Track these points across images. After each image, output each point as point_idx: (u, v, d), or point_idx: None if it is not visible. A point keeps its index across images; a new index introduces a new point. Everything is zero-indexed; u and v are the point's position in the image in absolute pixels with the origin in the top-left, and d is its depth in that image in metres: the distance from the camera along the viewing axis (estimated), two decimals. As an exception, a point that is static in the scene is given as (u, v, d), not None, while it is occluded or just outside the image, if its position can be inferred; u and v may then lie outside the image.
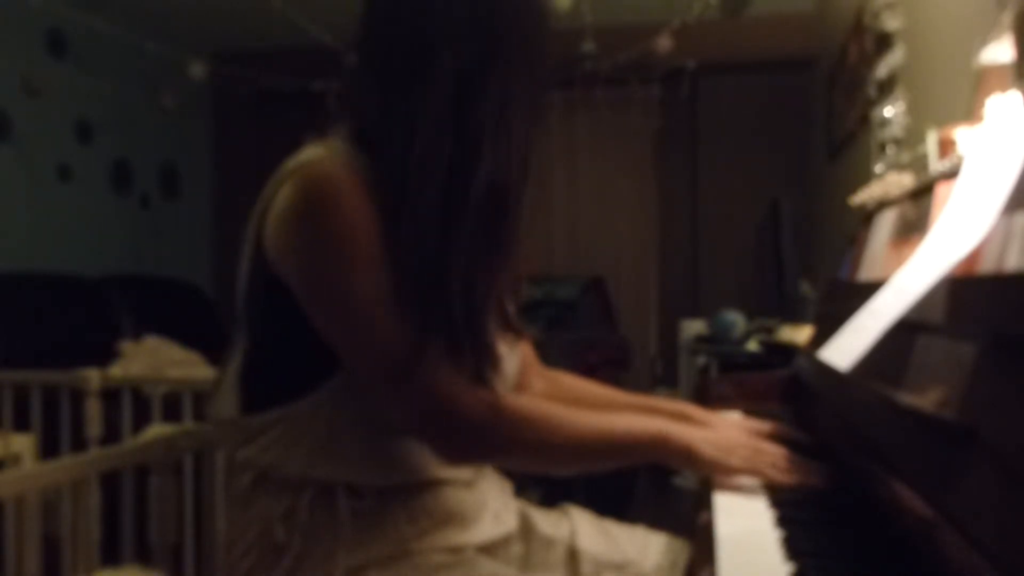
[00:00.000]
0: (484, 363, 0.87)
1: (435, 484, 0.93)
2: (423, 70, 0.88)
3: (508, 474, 1.09)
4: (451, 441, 0.86)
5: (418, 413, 0.85)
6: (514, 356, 1.04)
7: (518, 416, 0.88)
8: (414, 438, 0.90)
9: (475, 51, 0.88)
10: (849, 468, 0.87)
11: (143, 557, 1.83)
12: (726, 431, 1.00)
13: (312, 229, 0.84)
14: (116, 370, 2.64)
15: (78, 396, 2.26)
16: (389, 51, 0.91)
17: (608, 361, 3.59)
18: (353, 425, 0.89)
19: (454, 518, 0.94)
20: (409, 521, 0.90)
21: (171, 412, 2.26)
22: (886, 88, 2.23)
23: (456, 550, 0.92)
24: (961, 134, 1.24)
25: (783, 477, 0.90)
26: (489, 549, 0.97)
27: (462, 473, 0.96)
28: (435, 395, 0.83)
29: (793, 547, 0.71)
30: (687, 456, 0.92)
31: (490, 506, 1.00)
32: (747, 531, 0.77)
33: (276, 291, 0.87)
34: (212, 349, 3.22)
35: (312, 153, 0.89)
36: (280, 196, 0.87)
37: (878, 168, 2.10)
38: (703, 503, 0.89)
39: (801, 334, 2.02)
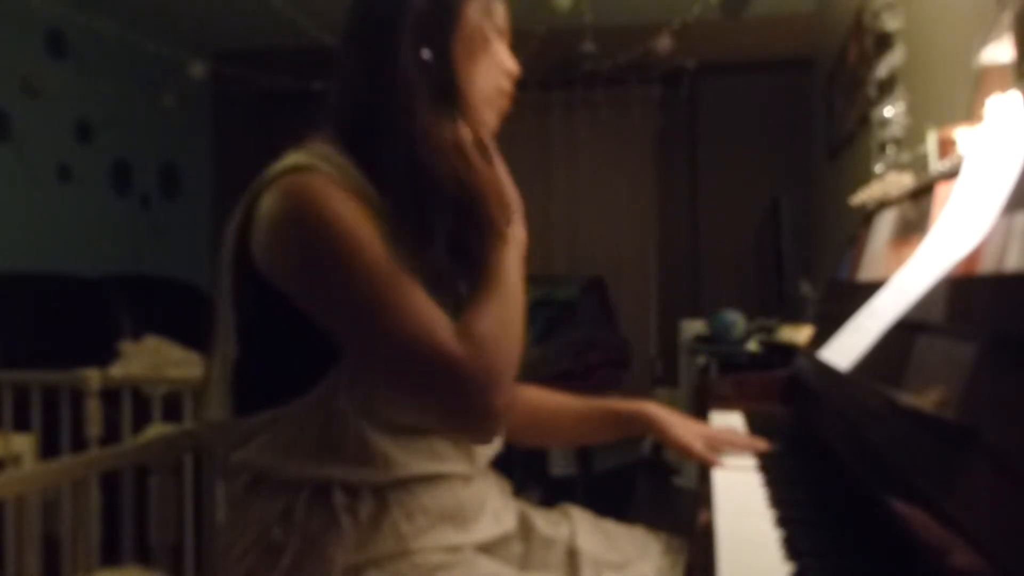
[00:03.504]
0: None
1: (432, 480, 0.93)
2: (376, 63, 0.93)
3: (508, 474, 1.10)
4: (479, 420, 0.86)
5: (444, 401, 0.85)
6: None
7: (483, 347, 0.84)
8: (444, 423, 0.90)
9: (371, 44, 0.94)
10: (849, 468, 0.87)
11: (143, 557, 1.83)
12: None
13: (302, 236, 0.84)
14: (116, 370, 2.64)
15: (78, 396, 2.26)
16: (349, 51, 0.95)
17: (608, 361, 3.59)
18: (347, 424, 0.88)
19: (452, 516, 0.94)
20: (406, 519, 0.90)
21: (171, 412, 2.26)
22: (886, 88, 2.23)
23: (454, 549, 0.92)
24: (961, 134, 1.24)
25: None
26: (488, 548, 0.97)
27: (459, 468, 0.96)
28: (451, 379, 0.82)
29: (793, 547, 0.71)
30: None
31: (489, 505, 1.00)
32: (747, 531, 0.77)
33: (267, 297, 0.87)
34: (212, 349, 3.21)
35: (293, 159, 0.89)
36: (264, 203, 0.87)
37: (878, 168, 2.10)
38: (703, 503, 0.89)
39: (801, 334, 2.02)
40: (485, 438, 0.91)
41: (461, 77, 0.95)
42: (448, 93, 0.93)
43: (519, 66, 1.03)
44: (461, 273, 0.94)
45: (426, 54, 0.92)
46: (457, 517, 0.94)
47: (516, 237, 0.94)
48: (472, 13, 0.96)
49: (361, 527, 0.88)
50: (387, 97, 0.91)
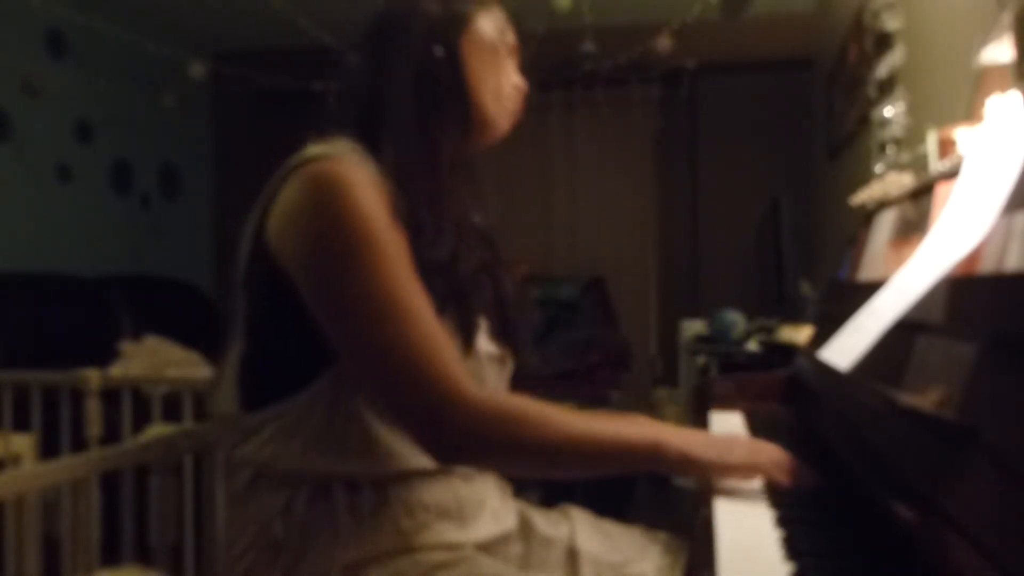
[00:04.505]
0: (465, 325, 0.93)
1: (432, 476, 0.93)
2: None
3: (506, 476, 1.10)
4: (442, 445, 0.84)
5: (414, 415, 0.84)
6: (503, 374, 1.05)
7: (511, 418, 0.85)
8: (407, 436, 0.89)
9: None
10: (849, 468, 0.87)
11: (143, 557, 1.83)
12: (720, 434, 0.98)
13: (319, 226, 0.85)
14: (116, 370, 2.64)
15: (78, 396, 2.26)
16: (364, 52, 1.00)
17: (608, 361, 3.59)
18: (348, 416, 0.89)
19: (452, 512, 0.94)
20: (406, 515, 0.90)
21: (171, 412, 2.26)
22: (886, 88, 2.23)
23: (455, 547, 0.92)
24: (961, 134, 1.24)
25: (784, 475, 0.88)
26: (488, 548, 0.97)
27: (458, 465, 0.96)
28: (434, 400, 0.82)
29: (793, 547, 0.71)
30: (684, 461, 0.88)
31: (489, 504, 1.00)
32: (747, 531, 0.77)
33: (276, 286, 0.88)
34: (212, 349, 3.21)
35: (317, 150, 0.89)
36: (285, 192, 0.88)
37: (878, 168, 2.10)
38: (703, 503, 0.89)
39: (801, 334, 2.02)
40: (440, 458, 0.89)
41: (470, 77, 0.98)
42: (457, 91, 0.97)
43: (522, 74, 1.07)
44: (473, 300, 0.95)
45: (438, 51, 0.96)
46: (457, 514, 0.94)
47: (672, 450, 0.88)
48: (482, 22, 1.01)
49: (361, 523, 0.88)
50: (399, 92, 0.95)
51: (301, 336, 0.87)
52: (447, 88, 0.97)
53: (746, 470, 0.89)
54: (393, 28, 0.99)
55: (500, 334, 1.02)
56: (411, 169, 0.92)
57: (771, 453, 0.90)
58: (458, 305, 0.93)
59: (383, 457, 0.90)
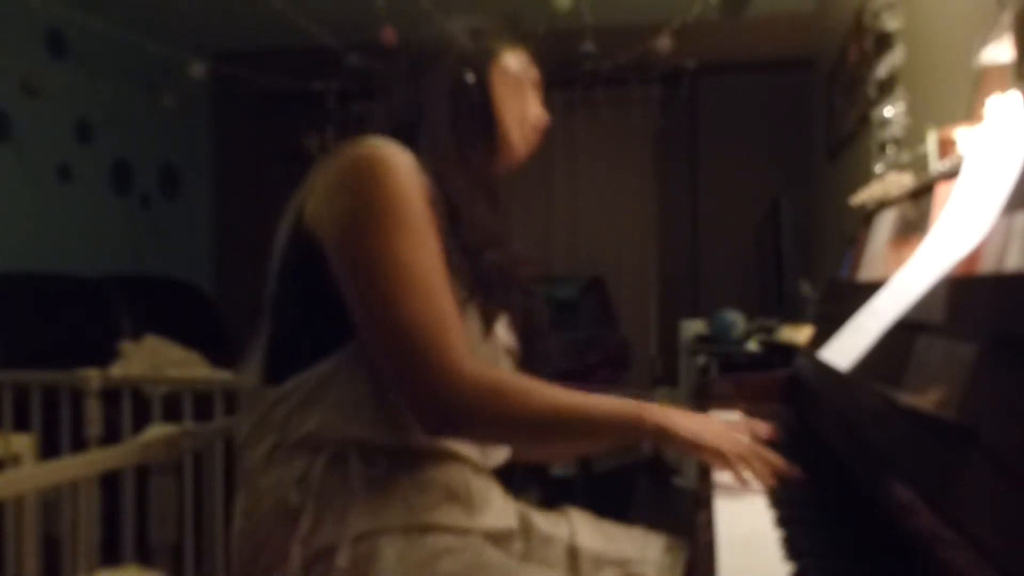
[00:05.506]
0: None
1: (443, 457, 0.97)
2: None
3: (507, 479, 1.10)
4: (434, 415, 0.90)
5: (411, 385, 0.89)
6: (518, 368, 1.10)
7: (501, 390, 0.90)
8: (403, 405, 0.93)
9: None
10: (849, 468, 0.87)
11: (143, 557, 1.83)
12: (706, 418, 1.03)
13: (355, 196, 0.91)
14: (116, 370, 2.64)
15: (78, 396, 2.26)
16: (401, 72, 1.11)
17: (608, 361, 3.59)
18: (367, 385, 0.93)
19: (461, 497, 0.96)
20: (418, 491, 0.93)
21: (171, 412, 2.26)
22: (886, 88, 2.23)
23: (463, 532, 0.94)
24: (961, 134, 1.24)
25: (741, 470, 0.91)
26: (494, 539, 0.98)
27: (471, 452, 1.00)
28: (430, 372, 0.87)
29: (793, 547, 0.71)
30: (661, 430, 0.94)
31: (495, 503, 1.02)
32: (747, 531, 0.77)
33: (308, 262, 0.93)
34: (212, 349, 3.22)
35: (363, 140, 0.95)
36: (326, 174, 0.95)
37: (878, 168, 2.10)
38: (703, 502, 0.89)
39: (801, 334, 2.02)
40: (432, 428, 0.93)
41: (496, 102, 1.09)
42: (485, 113, 1.08)
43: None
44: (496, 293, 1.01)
45: (469, 78, 1.07)
46: (466, 500, 0.97)
47: (650, 421, 0.94)
48: (508, 58, 1.12)
49: (374, 494, 0.91)
50: (435, 107, 1.04)
51: (327, 309, 0.92)
52: (477, 109, 1.08)
53: (713, 454, 0.93)
54: (431, 55, 1.10)
55: (520, 333, 1.09)
56: (446, 167, 0.99)
57: (738, 446, 0.93)
58: (484, 291, 0.99)
59: (400, 426, 0.93)
